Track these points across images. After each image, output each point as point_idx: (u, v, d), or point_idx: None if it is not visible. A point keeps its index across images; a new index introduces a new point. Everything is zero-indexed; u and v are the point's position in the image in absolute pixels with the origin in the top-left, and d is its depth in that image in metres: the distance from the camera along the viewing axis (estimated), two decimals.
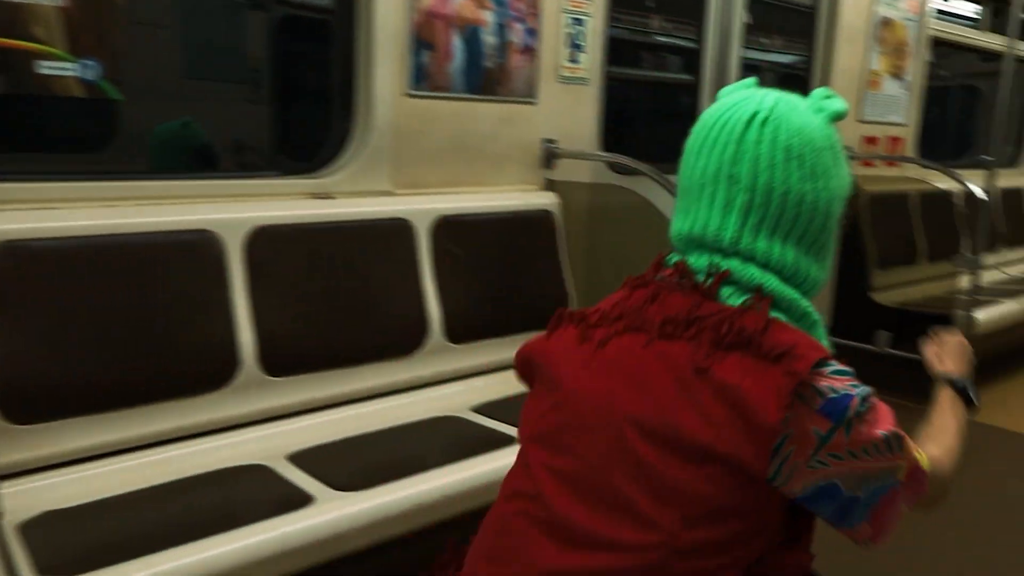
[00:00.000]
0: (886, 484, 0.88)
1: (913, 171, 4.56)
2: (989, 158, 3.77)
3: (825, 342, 0.94)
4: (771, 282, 0.91)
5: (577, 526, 0.87)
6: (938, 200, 4.64)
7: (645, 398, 0.88)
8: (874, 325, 3.72)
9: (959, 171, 3.95)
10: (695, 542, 0.84)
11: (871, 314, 4.02)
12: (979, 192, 3.61)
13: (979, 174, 3.82)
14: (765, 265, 0.92)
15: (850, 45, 4.12)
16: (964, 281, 3.73)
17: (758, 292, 0.90)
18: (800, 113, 0.94)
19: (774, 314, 0.89)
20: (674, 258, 0.98)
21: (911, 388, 1.75)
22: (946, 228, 4.55)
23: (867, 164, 4.39)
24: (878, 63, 4.34)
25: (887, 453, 0.86)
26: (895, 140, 4.60)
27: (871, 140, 4.41)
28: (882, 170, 4.49)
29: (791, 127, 0.92)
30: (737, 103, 0.95)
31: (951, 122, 6.47)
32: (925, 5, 4.58)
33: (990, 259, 4.99)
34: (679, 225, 0.98)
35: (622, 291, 1.01)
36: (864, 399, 0.85)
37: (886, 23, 4.34)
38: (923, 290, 4.34)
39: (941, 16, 4.94)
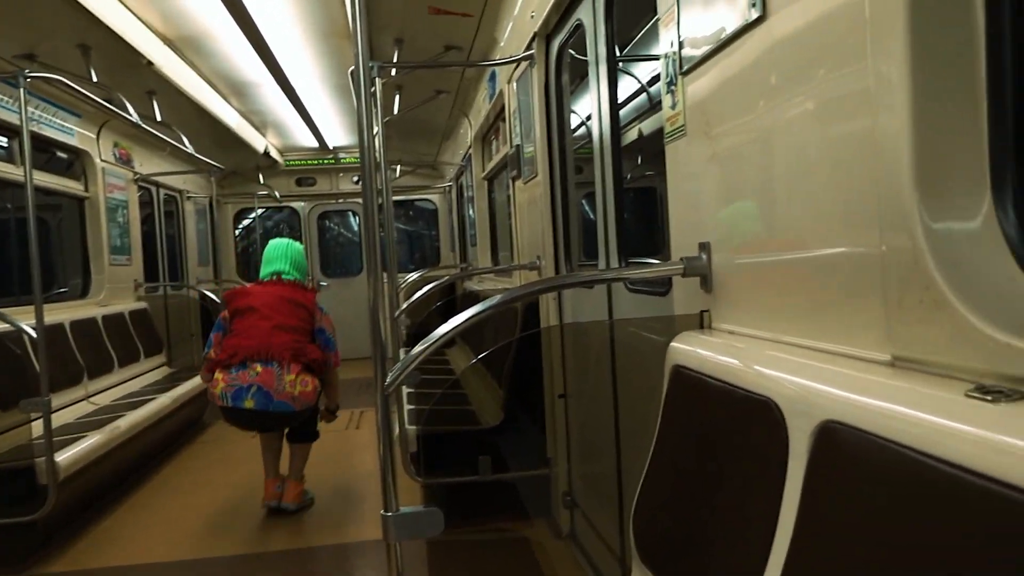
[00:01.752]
0: (332, 343, 4.14)
1: None
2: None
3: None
4: (299, 277, 4.25)
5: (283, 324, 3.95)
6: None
7: (283, 302, 4.05)
8: None
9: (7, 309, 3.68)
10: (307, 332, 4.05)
11: None
12: (29, 329, 3.41)
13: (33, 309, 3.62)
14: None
15: None
16: (36, 425, 3.45)
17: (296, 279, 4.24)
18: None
19: None
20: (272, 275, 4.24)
21: None
22: (14, 370, 4.20)
23: None
24: None
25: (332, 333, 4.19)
26: None
27: None
28: None
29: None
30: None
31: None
32: None
33: (72, 394, 4.87)
34: (268, 269, 4.27)
35: (264, 282, 4.24)
36: (323, 311, 4.22)
37: None
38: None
39: None
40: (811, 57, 1.21)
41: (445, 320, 1.72)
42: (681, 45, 1.72)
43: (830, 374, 1.11)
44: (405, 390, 4.15)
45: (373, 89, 4.12)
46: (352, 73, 4.36)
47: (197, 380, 5.99)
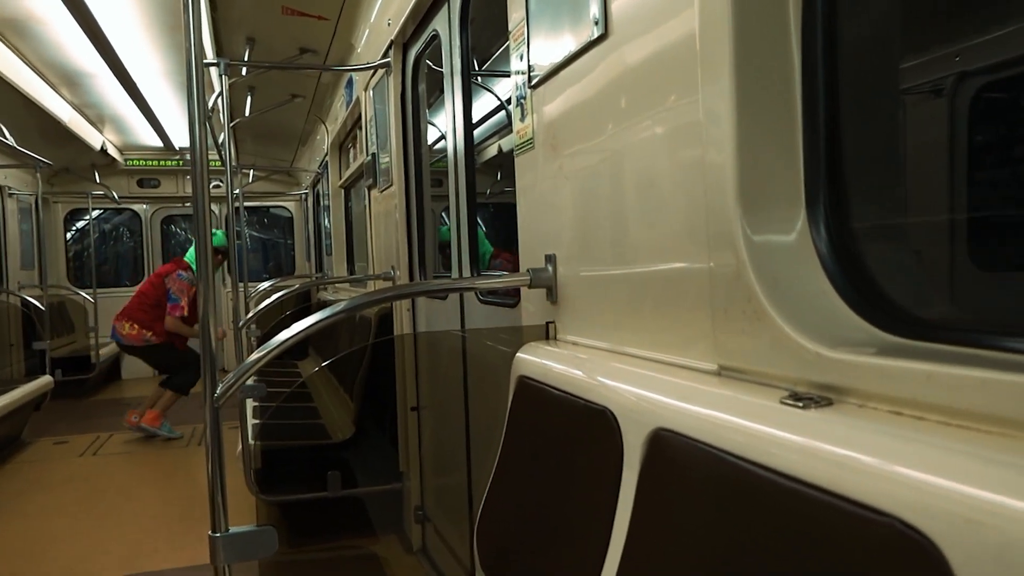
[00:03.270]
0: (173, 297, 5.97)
1: None
2: None
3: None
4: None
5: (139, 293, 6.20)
6: None
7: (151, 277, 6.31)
8: None
9: None
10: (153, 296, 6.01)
11: None
12: None
13: None
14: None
15: None
16: None
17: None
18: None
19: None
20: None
21: None
22: None
23: None
24: None
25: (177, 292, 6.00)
26: None
27: None
28: None
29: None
30: None
31: None
32: None
33: None
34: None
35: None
36: (180, 277, 6.09)
37: None
38: None
39: None
40: (651, 80, 1.26)
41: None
42: (530, 59, 1.74)
43: (662, 383, 1.14)
44: (250, 403, 3.95)
45: (221, 88, 3.92)
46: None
47: (15, 394, 5.45)
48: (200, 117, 1.45)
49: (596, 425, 1.22)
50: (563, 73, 1.58)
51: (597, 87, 1.44)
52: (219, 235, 6.50)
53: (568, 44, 1.53)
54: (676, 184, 1.21)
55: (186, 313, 5.97)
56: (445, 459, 3.04)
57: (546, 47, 1.66)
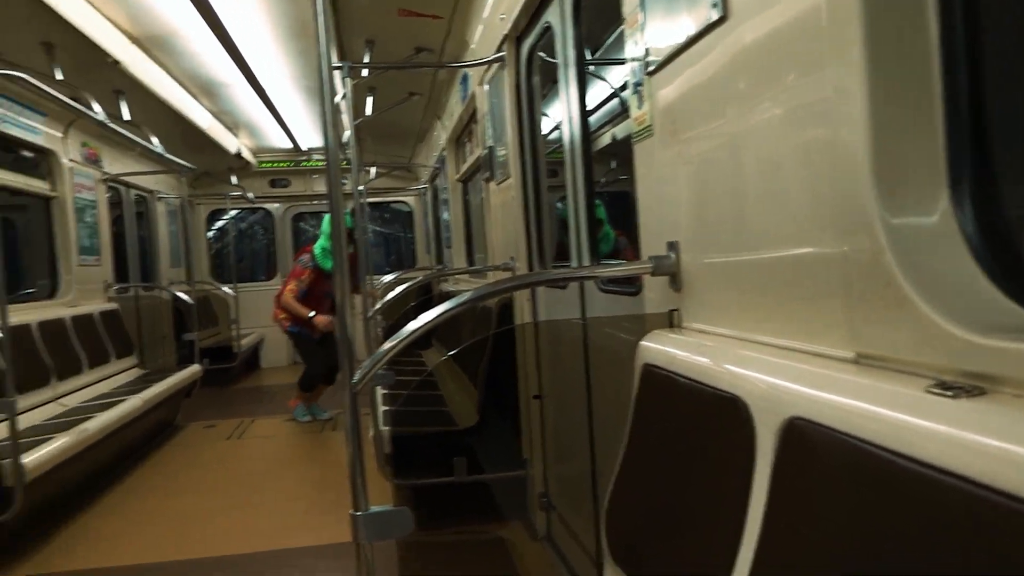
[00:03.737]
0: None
1: None
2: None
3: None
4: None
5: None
6: None
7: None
8: None
9: None
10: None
11: None
12: None
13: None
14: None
15: None
16: (3, 427, 3.39)
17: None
18: None
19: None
20: None
21: None
22: None
23: None
24: None
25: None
26: None
27: None
28: None
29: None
30: None
31: None
32: None
33: (40, 395, 4.80)
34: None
35: None
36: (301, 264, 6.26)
37: None
38: None
39: None
40: (773, 60, 1.22)
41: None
42: (646, 46, 1.73)
43: (795, 372, 1.12)
44: (380, 391, 4.13)
45: (345, 90, 4.10)
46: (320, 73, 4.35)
47: (170, 381, 5.93)
48: (330, 118, 1.53)
49: (726, 413, 1.21)
50: (681, 58, 1.55)
51: (717, 70, 1.42)
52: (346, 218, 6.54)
53: (686, 28, 1.51)
54: (803, 166, 1.17)
55: (295, 293, 6.08)
56: (568, 447, 3.07)
57: (663, 32, 1.65)
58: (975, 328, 0.87)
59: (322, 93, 1.58)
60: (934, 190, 0.99)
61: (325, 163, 1.57)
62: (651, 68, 1.72)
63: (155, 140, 6.42)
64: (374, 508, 1.52)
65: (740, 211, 1.39)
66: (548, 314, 3.38)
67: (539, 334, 3.42)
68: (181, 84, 6.04)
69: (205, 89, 6.35)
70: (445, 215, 7.58)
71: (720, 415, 1.23)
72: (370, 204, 10.43)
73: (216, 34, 4.76)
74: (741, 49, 1.32)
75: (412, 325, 1.71)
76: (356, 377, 1.54)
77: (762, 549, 1.07)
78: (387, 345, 1.69)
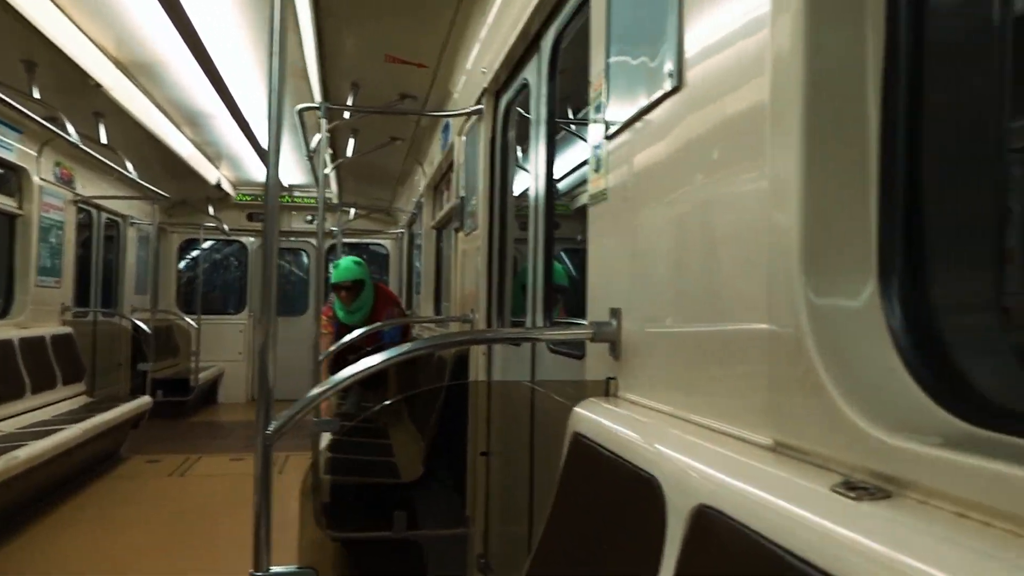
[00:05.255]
0: None
1: None
2: None
3: None
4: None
5: None
6: None
7: None
8: None
9: None
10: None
11: None
12: None
13: None
14: None
15: None
16: None
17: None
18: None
19: None
20: None
21: None
22: None
23: None
24: None
25: None
26: None
27: None
28: None
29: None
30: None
31: None
32: None
33: None
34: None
35: None
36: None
37: None
38: None
39: None
40: (719, 137, 1.21)
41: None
42: (607, 110, 1.72)
43: (712, 455, 1.07)
44: (326, 437, 4.01)
45: (323, 131, 4.09)
46: (298, 112, 4.35)
47: (116, 412, 5.75)
48: (273, 155, 1.49)
49: (643, 493, 1.15)
50: (637, 125, 1.54)
51: (668, 142, 1.40)
52: (345, 265, 5.56)
53: (643, 96, 1.50)
54: (739, 244, 1.14)
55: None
56: (511, 508, 2.98)
57: (623, 99, 1.64)
58: (888, 425, 0.83)
59: (270, 128, 1.55)
60: (861, 277, 0.96)
61: (264, 198, 1.52)
62: (609, 132, 1.71)
63: (130, 165, 6.37)
64: (275, 568, 1.44)
65: (678, 284, 1.36)
66: (503, 370, 3.32)
67: (491, 390, 3.35)
68: (164, 112, 6.02)
69: (188, 119, 6.33)
70: (418, 261, 7.55)
71: (638, 494, 1.17)
72: (348, 244, 10.40)
73: (202, 66, 4.76)
74: (691, 122, 1.31)
75: (344, 373, 1.65)
76: (272, 427, 1.47)
77: None
78: (314, 392, 1.62)
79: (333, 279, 5.49)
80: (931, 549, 0.66)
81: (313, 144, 4.90)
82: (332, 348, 3.77)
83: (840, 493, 0.80)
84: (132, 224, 8.33)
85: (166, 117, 6.14)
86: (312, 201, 9.81)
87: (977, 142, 1.07)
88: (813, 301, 0.95)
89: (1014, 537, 0.65)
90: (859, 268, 0.96)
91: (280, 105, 1.54)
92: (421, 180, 6.77)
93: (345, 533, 3.42)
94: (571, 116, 4.29)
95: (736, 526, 0.90)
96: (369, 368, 1.64)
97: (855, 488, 0.79)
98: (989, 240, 1.05)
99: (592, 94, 1.86)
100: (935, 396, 0.87)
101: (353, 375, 1.64)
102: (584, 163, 5.24)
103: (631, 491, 1.20)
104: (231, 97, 5.54)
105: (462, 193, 4.02)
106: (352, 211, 9.37)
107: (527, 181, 2.90)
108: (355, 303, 5.42)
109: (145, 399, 6.45)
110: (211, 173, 8.19)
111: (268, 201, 1.48)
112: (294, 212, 10.16)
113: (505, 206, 3.36)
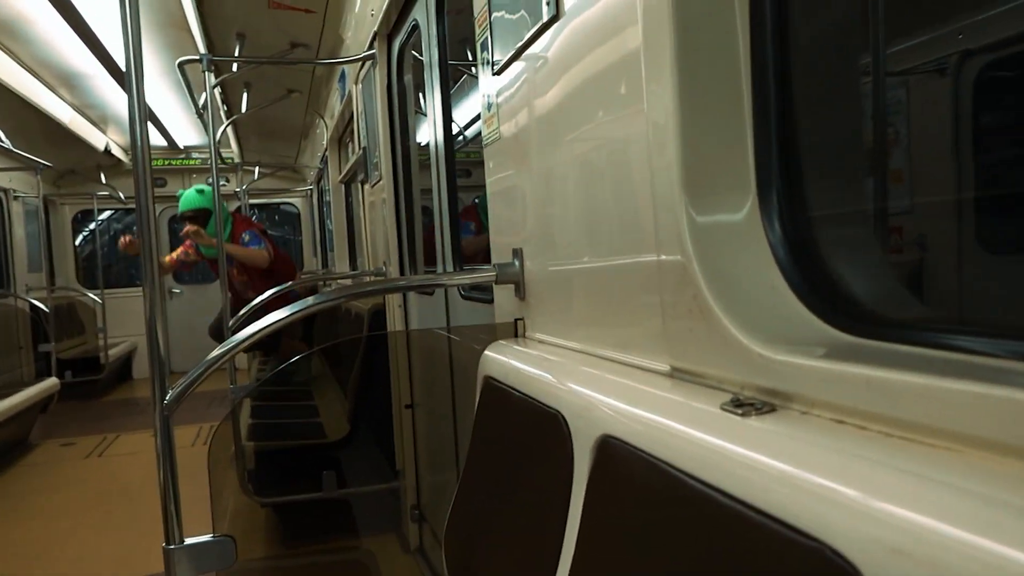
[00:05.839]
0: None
1: None
2: None
3: None
4: None
5: None
6: None
7: None
8: None
9: None
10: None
11: None
12: None
13: None
14: None
15: None
16: None
17: None
18: None
19: None
20: None
21: None
22: None
23: None
24: None
25: None
26: None
27: None
28: None
29: None
30: None
31: None
32: None
33: None
34: None
35: None
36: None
37: None
38: None
39: None
40: (599, 66, 1.18)
41: (302, 328, 1.60)
42: (492, 45, 1.67)
43: (612, 386, 1.08)
44: (248, 403, 3.92)
45: (208, 86, 3.88)
46: (179, 65, 4.10)
47: (19, 397, 5.47)
48: (140, 113, 1.39)
49: (550, 429, 1.16)
50: (521, 59, 1.51)
51: (553, 76, 1.37)
52: (187, 196, 5.49)
53: (524, 28, 1.46)
54: (630, 178, 1.14)
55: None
56: (439, 457, 2.99)
57: (507, 33, 1.59)
58: (772, 341, 0.85)
59: (128, 82, 1.44)
60: (741, 197, 0.97)
61: (132, 159, 1.42)
62: (496, 69, 1.67)
63: (1, 134, 5.92)
64: (190, 540, 1.40)
65: (574, 220, 1.35)
66: (420, 320, 3.30)
67: (410, 341, 3.32)
68: (34, 73, 5.60)
69: (63, 80, 5.91)
70: (330, 219, 7.36)
71: (545, 431, 1.18)
72: (256, 205, 10.04)
73: (68, 21, 4.42)
74: (572, 51, 1.28)
75: (245, 331, 1.59)
76: (169, 397, 1.41)
77: (575, 569, 1.02)
78: (213, 355, 1.56)
79: (179, 211, 5.50)
80: (811, 456, 0.68)
81: (201, 101, 4.64)
82: (242, 312, 3.64)
83: (728, 411, 0.81)
84: (16, 197, 7.80)
85: (36, 79, 5.71)
86: (198, 163, 9.40)
87: (845, 63, 1.09)
88: (697, 225, 0.96)
89: (885, 437, 0.67)
90: (738, 189, 0.97)
91: (137, 50, 1.42)
92: (324, 133, 6.55)
93: (273, 498, 3.38)
94: (471, 59, 4.20)
95: (636, 452, 0.91)
96: (274, 323, 1.59)
97: (742, 405, 0.81)
98: (862, 155, 1.07)
99: (478, 30, 1.81)
100: (815, 309, 0.89)
101: (253, 334, 1.58)
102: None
103: (540, 428, 1.21)
104: (108, 55, 5.18)
105: (364, 144, 3.90)
106: (256, 170, 9.01)
107: (428, 127, 2.83)
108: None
109: (52, 381, 6.15)
110: (98, 138, 7.72)
111: (137, 166, 1.39)
112: (195, 175, 9.71)
113: (409, 154, 3.29)
